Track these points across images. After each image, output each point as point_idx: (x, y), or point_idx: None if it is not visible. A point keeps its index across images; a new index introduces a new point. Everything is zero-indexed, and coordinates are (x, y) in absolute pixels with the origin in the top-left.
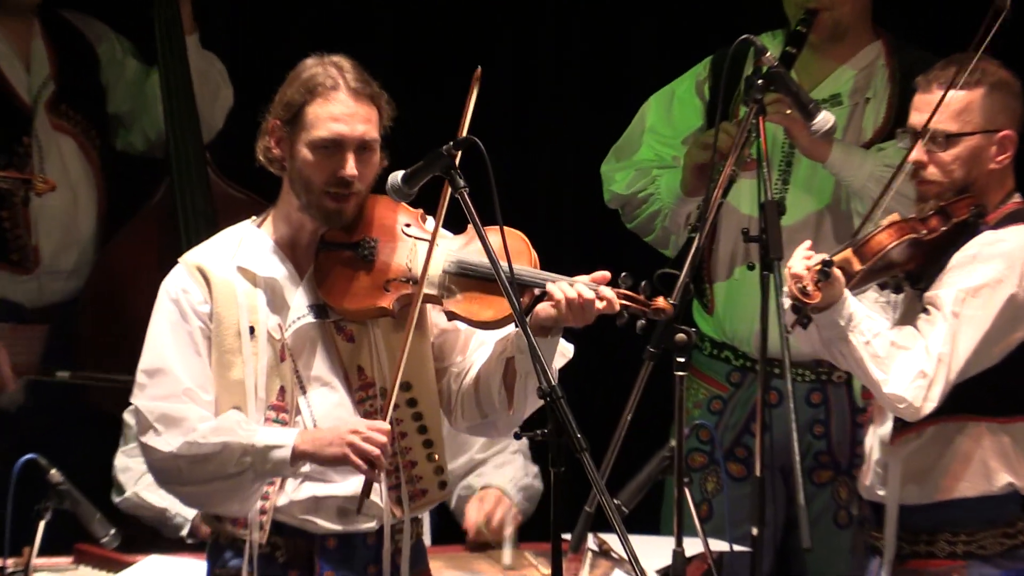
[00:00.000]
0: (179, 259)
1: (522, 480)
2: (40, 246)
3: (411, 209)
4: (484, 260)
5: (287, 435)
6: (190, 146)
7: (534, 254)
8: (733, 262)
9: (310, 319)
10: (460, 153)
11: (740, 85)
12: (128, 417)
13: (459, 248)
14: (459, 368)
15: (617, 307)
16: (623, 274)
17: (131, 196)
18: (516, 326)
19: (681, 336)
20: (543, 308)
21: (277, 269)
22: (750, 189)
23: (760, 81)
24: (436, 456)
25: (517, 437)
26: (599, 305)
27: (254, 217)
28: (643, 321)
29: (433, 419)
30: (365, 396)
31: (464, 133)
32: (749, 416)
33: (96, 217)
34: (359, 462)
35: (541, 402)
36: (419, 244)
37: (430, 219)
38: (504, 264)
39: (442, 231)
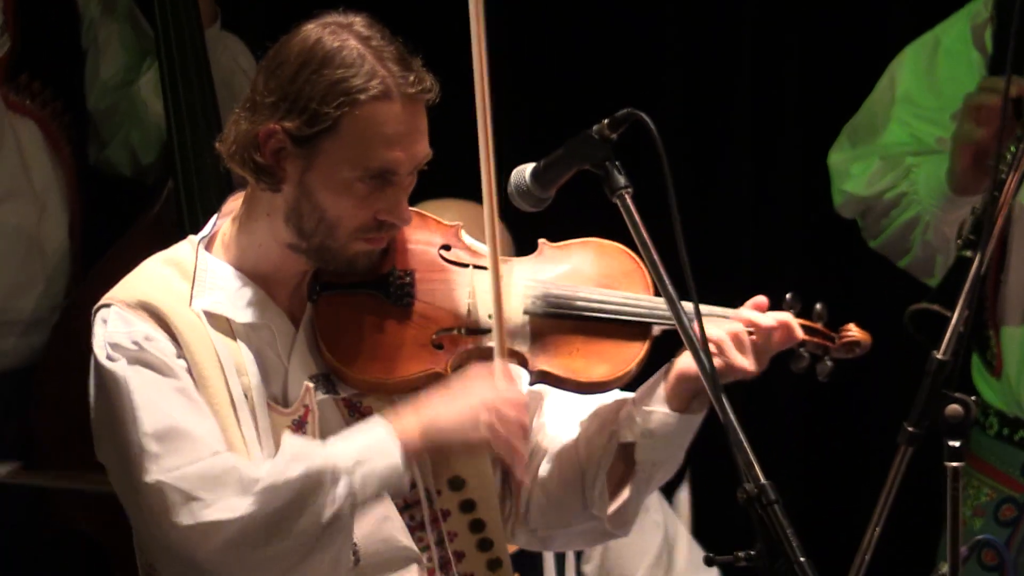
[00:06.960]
0: (103, 301)
1: None
2: None
3: (443, 222)
4: (579, 290)
5: (375, 431)
6: (203, 143)
7: (647, 276)
8: None
9: (320, 395)
10: (617, 135)
11: None
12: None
13: (539, 275)
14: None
15: (799, 337)
16: (788, 295)
17: (119, 208)
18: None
19: (954, 408)
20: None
21: (259, 313)
22: None
23: None
24: None
25: (709, 563)
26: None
27: (193, 237)
28: (830, 362)
29: (497, 529)
30: (404, 504)
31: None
32: None
33: (68, 240)
34: (507, 455)
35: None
36: (478, 274)
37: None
38: (688, 308)
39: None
